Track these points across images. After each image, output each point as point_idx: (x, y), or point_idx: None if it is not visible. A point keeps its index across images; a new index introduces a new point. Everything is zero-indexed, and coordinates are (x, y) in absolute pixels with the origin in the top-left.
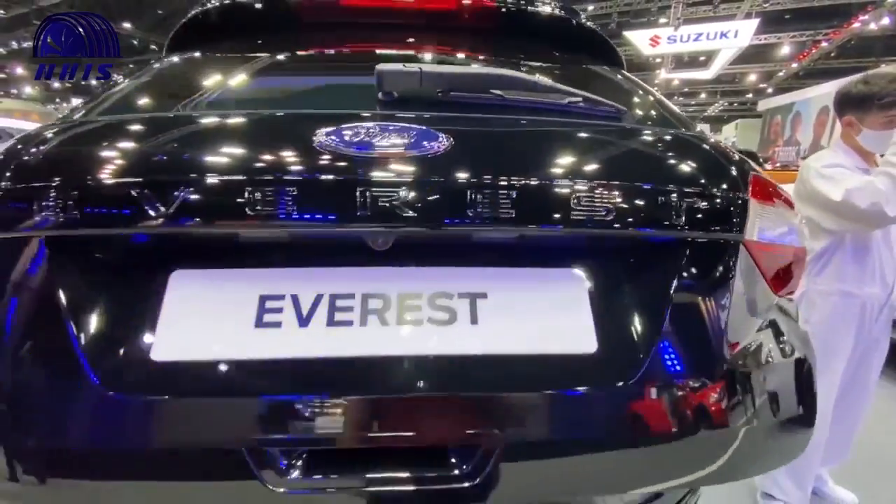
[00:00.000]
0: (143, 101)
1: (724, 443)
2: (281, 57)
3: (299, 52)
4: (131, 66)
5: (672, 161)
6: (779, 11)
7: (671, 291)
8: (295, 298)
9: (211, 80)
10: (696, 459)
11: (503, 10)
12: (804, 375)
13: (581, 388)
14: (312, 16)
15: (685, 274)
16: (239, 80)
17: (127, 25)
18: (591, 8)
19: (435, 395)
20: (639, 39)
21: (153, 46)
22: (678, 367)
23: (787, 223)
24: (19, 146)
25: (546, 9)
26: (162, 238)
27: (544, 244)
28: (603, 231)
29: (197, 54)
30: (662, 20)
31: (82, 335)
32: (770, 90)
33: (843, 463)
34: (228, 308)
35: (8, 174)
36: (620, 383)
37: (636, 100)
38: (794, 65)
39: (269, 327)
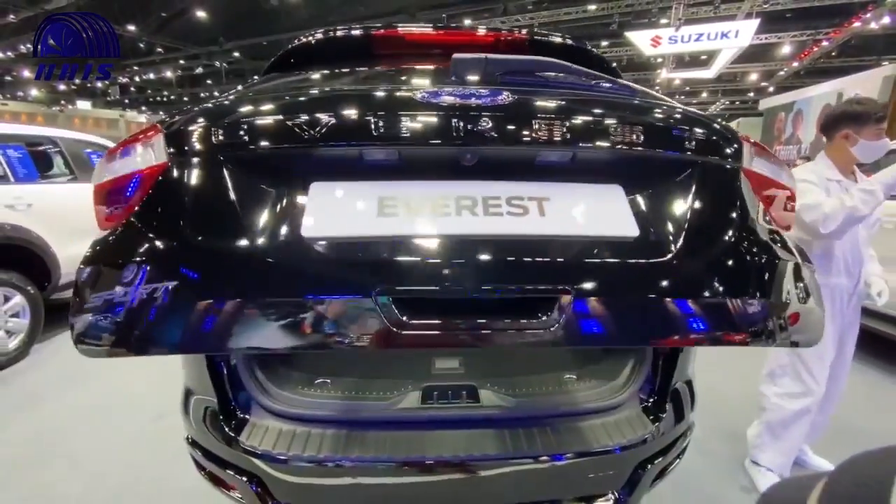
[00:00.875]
0: (285, 82)
1: (736, 309)
2: (374, 65)
3: (384, 65)
4: (135, 67)
5: (686, 114)
6: (779, 11)
7: (692, 197)
8: (406, 199)
9: (335, 72)
10: (712, 318)
11: (531, 41)
12: (802, 277)
13: (630, 260)
14: (386, 46)
15: (702, 187)
16: (352, 71)
17: (131, 28)
18: (592, 8)
19: (514, 260)
20: (640, 40)
21: (159, 49)
22: (701, 250)
23: (771, 163)
24: (212, 103)
25: (559, 39)
26: (304, 160)
27: (594, 165)
28: (641, 152)
29: (312, 63)
30: (663, 21)
31: (251, 221)
32: (771, 89)
33: (822, 436)
34: (355, 205)
35: (205, 120)
36: (659, 258)
37: (640, 92)
38: (795, 63)
39: (388, 216)
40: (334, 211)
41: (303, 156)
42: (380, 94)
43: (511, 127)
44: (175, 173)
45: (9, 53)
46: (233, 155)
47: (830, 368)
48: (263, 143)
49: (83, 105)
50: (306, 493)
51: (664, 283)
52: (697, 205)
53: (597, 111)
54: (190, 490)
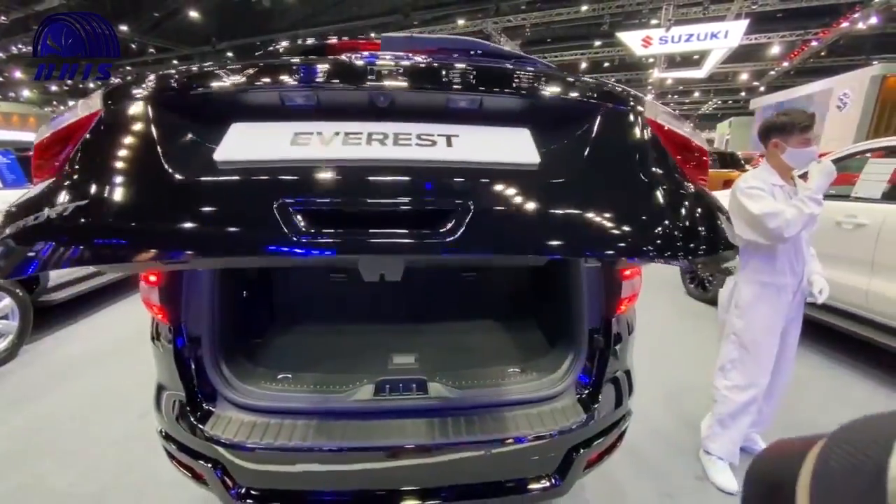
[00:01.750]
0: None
1: (636, 225)
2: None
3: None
4: (127, 67)
5: (584, 79)
6: (769, 11)
7: (595, 137)
8: (320, 133)
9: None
10: (615, 234)
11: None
12: (705, 208)
13: (529, 180)
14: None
15: (605, 129)
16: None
17: (124, 28)
18: (584, 8)
19: (418, 178)
20: (631, 40)
21: (151, 49)
22: (599, 176)
23: (679, 121)
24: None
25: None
26: (224, 104)
27: (501, 112)
28: (546, 103)
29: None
30: (654, 21)
31: (168, 150)
32: (762, 88)
33: (771, 426)
34: (270, 138)
35: (139, 78)
36: (560, 179)
37: (546, 65)
38: (785, 63)
39: (300, 145)
40: (248, 142)
41: (222, 100)
42: (300, 57)
43: (423, 76)
44: (108, 118)
45: (0, 55)
46: (158, 101)
47: (775, 361)
48: (187, 91)
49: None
50: (264, 477)
51: (561, 200)
52: (600, 141)
53: (504, 71)
54: (174, 483)
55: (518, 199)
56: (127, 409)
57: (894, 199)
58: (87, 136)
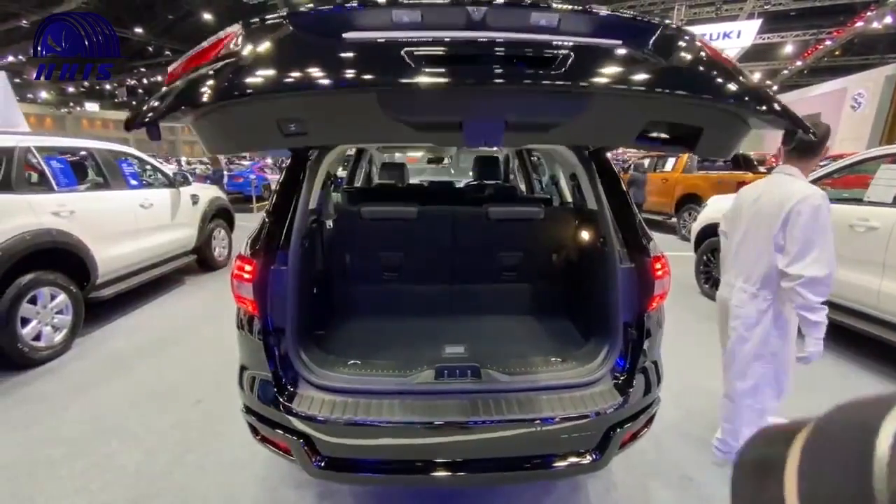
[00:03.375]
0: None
1: (686, 71)
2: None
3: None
4: (142, 69)
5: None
6: (782, 11)
7: (665, 38)
8: (428, 31)
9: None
10: (673, 76)
11: None
12: (736, 73)
13: (613, 48)
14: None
15: (673, 38)
16: None
17: (139, 30)
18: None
19: (521, 39)
20: None
21: (167, 52)
22: (668, 52)
23: (718, 49)
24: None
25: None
26: (338, 20)
27: (582, 27)
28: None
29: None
30: (666, 22)
31: (298, 35)
32: (775, 87)
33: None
34: (383, 35)
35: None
36: (635, 51)
37: None
38: (799, 62)
39: (409, 31)
40: (366, 35)
41: (335, 19)
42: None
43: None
44: (249, 32)
45: (20, 57)
46: (289, 20)
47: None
48: (304, 14)
49: (91, 107)
50: (342, 448)
51: (637, 60)
52: (670, 40)
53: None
54: (232, 463)
55: (607, 54)
56: (180, 396)
57: None
58: (237, 39)
